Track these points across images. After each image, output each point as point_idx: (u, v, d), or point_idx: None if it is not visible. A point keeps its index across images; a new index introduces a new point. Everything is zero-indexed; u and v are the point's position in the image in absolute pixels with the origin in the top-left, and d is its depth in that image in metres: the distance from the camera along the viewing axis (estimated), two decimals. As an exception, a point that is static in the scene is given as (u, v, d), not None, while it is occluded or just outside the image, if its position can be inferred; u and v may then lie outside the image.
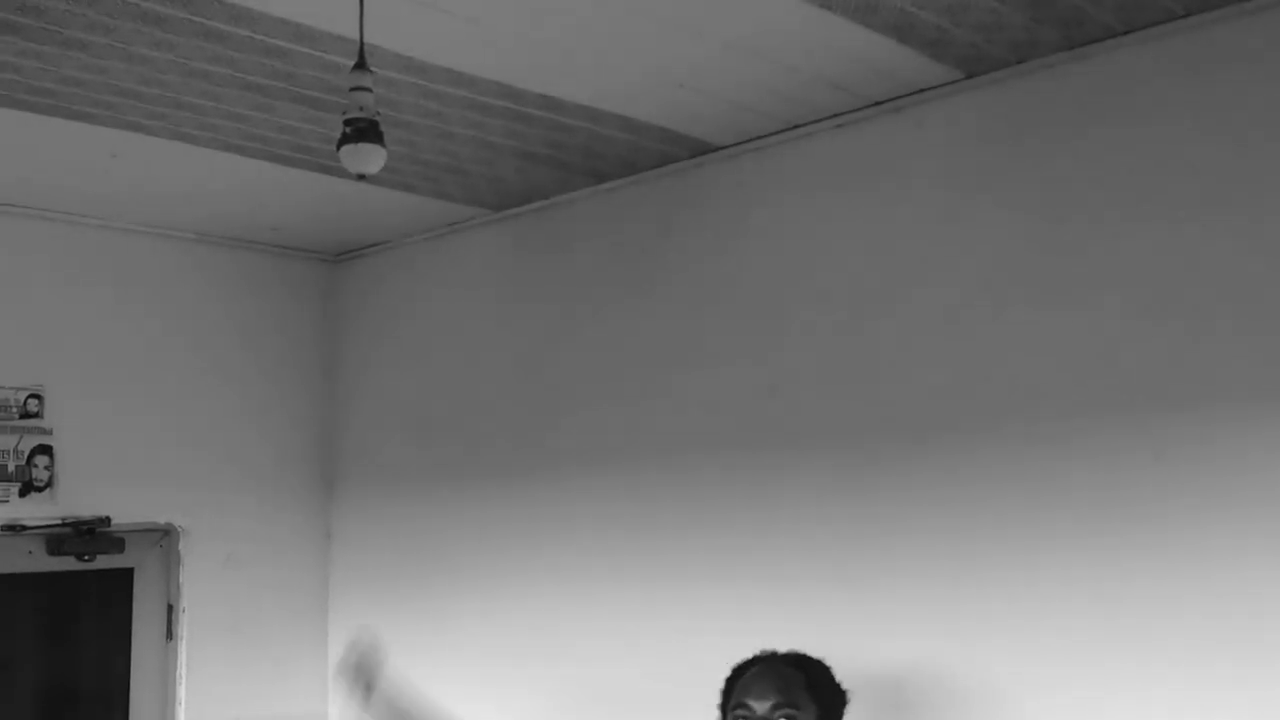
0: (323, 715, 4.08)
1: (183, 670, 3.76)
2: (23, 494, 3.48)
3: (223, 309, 3.96)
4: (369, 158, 1.92)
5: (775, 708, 2.08)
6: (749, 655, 2.26)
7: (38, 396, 3.52)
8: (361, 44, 1.98)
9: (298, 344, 4.14)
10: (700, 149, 3.02)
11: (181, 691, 3.75)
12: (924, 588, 2.56)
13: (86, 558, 3.59)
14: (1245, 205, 2.19)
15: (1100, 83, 2.39)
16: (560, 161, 3.12)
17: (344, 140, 1.92)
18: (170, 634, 3.80)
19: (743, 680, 2.18)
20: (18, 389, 3.50)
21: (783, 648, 2.27)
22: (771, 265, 2.92)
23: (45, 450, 3.53)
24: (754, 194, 2.98)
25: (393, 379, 3.99)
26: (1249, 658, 2.12)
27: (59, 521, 3.54)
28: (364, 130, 1.91)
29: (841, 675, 2.24)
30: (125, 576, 3.76)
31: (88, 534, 3.57)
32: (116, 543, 3.62)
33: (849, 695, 2.23)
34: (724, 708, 2.21)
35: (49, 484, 3.52)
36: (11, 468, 3.47)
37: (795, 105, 2.73)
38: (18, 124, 2.77)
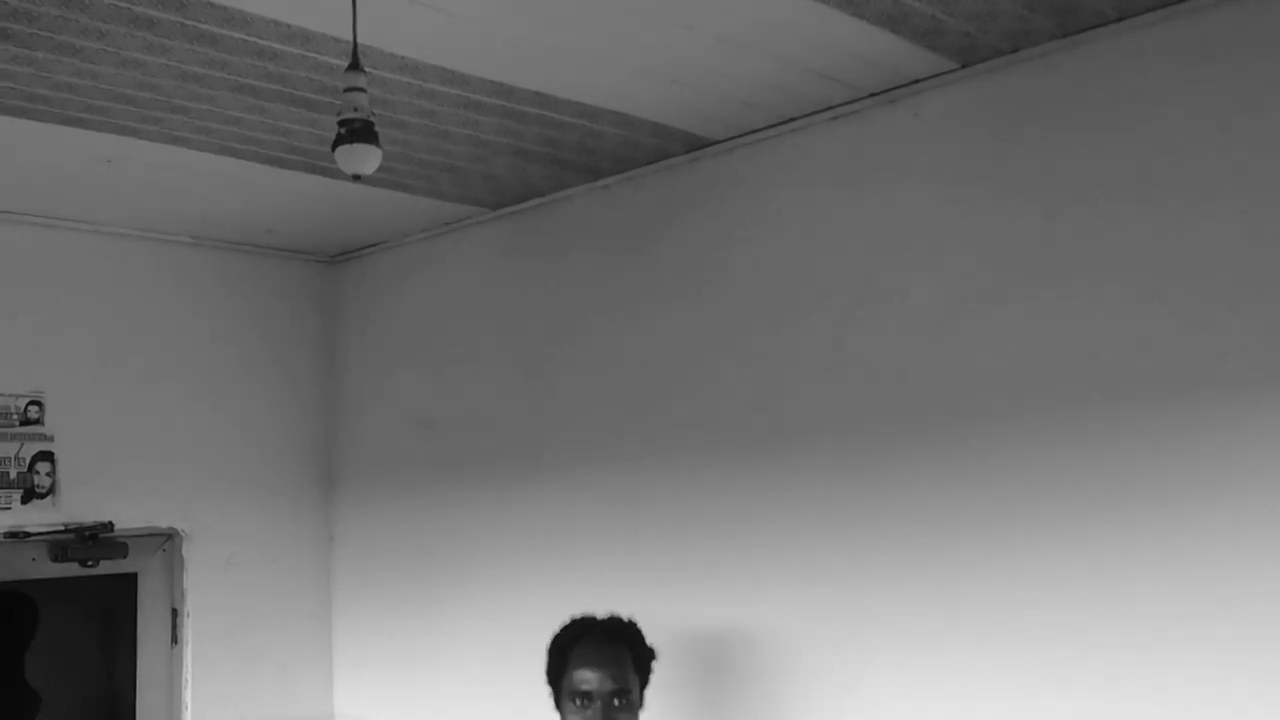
0: (328, 717, 4.09)
1: (188, 674, 3.76)
2: (25, 500, 3.48)
3: (220, 312, 3.97)
4: (364, 158, 1.92)
5: (612, 695, 2.32)
6: (567, 622, 2.49)
7: (38, 403, 3.52)
8: (355, 44, 1.98)
9: (296, 346, 4.15)
10: (695, 144, 3.02)
11: (187, 696, 3.75)
12: (925, 580, 2.56)
13: (90, 563, 3.60)
14: (1241, 192, 2.19)
15: (1095, 70, 2.39)
16: (555, 159, 3.12)
17: (339, 141, 1.92)
18: (175, 638, 3.81)
19: (575, 657, 2.38)
20: (18, 396, 3.50)
21: (599, 610, 2.50)
22: (768, 258, 2.92)
23: (47, 457, 3.53)
24: (749, 188, 2.97)
25: (391, 379, 3.99)
26: (1249, 643, 2.12)
27: (61, 528, 3.54)
28: (359, 131, 1.91)
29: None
30: (129, 581, 3.76)
31: (90, 540, 3.57)
32: (119, 548, 3.63)
33: (656, 652, 2.48)
34: (553, 681, 2.43)
35: (51, 490, 3.53)
36: (13, 474, 3.47)
37: (789, 98, 2.72)
38: (12, 130, 2.77)
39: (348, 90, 1.94)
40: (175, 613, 3.81)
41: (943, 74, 2.58)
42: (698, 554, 3.01)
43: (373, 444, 4.04)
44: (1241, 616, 2.13)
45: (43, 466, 3.52)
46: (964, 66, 2.55)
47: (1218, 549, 2.17)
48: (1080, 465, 2.35)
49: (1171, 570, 2.22)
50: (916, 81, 2.62)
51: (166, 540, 3.81)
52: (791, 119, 2.85)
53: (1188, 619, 2.19)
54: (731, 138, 2.98)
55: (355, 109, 1.92)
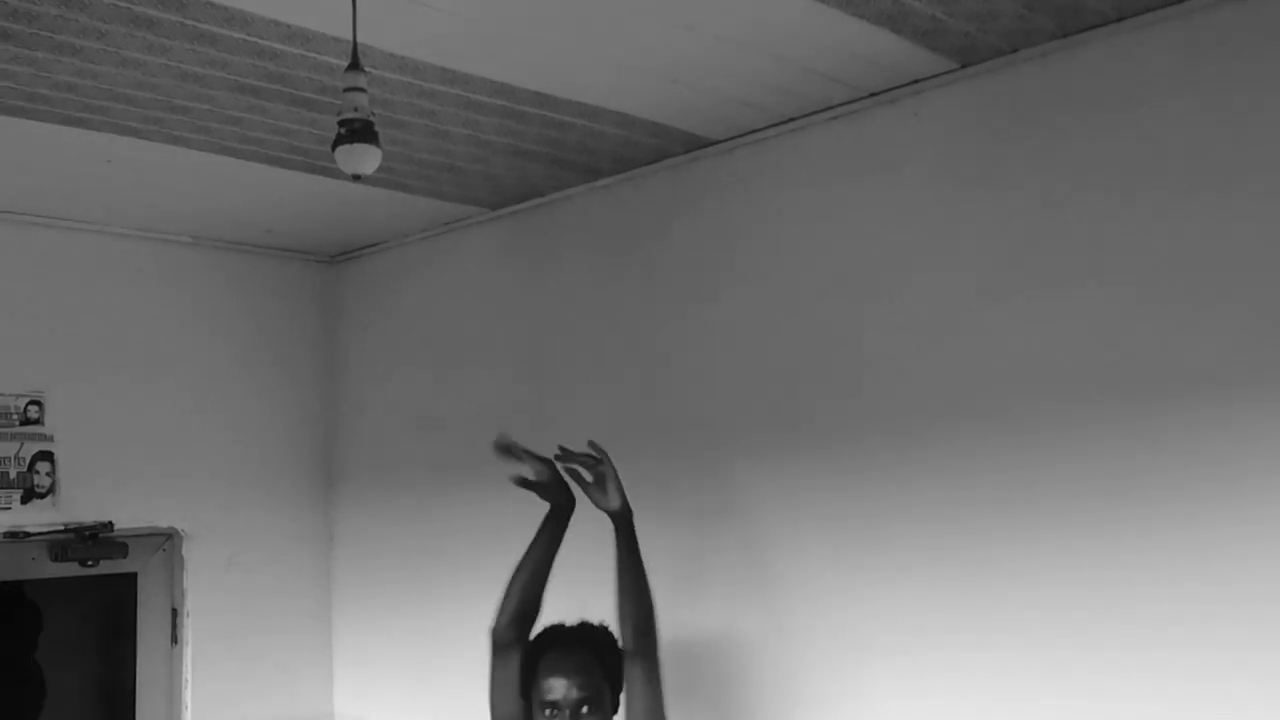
0: (328, 717, 4.09)
1: (188, 674, 3.76)
2: (25, 500, 3.48)
3: (220, 312, 3.97)
4: (364, 158, 1.92)
5: (579, 703, 2.32)
6: (538, 631, 2.49)
7: (38, 403, 3.52)
8: (355, 44, 1.98)
9: (296, 346, 4.15)
10: (695, 144, 3.02)
11: (188, 696, 3.76)
12: (921, 579, 2.56)
13: (90, 563, 3.60)
14: (1242, 191, 2.19)
15: (1095, 70, 2.39)
16: (555, 158, 3.12)
17: (339, 141, 1.92)
18: (175, 638, 3.81)
19: (543, 666, 2.38)
20: (18, 395, 3.50)
21: (571, 619, 2.49)
22: (767, 258, 2.92)
23: (47, 456, 3.53)
24: (749, 188, 2.97)
25: (392, 379, 3.99)
26: (1249, 643, 2.12)
27: (61, 528, 3.54)
28: (359, 130, 1.91)
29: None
30: (129, 581, 3.76)
31: (90, 539, 3.57)
32: (119, 548, 3.63)
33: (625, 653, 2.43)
34: (525, 692, 2.41)
35: (51, 490, 3.53)
36: (13, 474, 3.47)
37: (789, 98, 2.72)
38: (12, 130, 2.77)
39: (348, 90, 1.94)
40: (175, 613, 3.81)
41: (943, 74, 2.58)
42: (698, 553, 3.01)
43: (373, 444, 4.04)
44: (1242, 616, 2.13)
45: (43, 466, 3.52)
46: (964, 66, 2.55)
47: (1218, 548, 2.16)
48: (1081, 464, 2.35)
49: (1172, 570, 2.22)
50: (916, 81, 2.62)
51: (166, 540, 3.81)
52: (791, 119, 2.85)
53: (1188, 619, 2.19)
54: (731, 138, 2.98)
55: (355, 109, 1.92)
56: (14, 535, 3.46)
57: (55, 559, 3.53)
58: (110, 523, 3.62)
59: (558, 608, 2.59)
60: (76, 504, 3.56)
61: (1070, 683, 2.33)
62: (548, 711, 2.35)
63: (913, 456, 2.60)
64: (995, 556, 2.46)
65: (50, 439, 3.54)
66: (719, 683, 2.94)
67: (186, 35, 2.28)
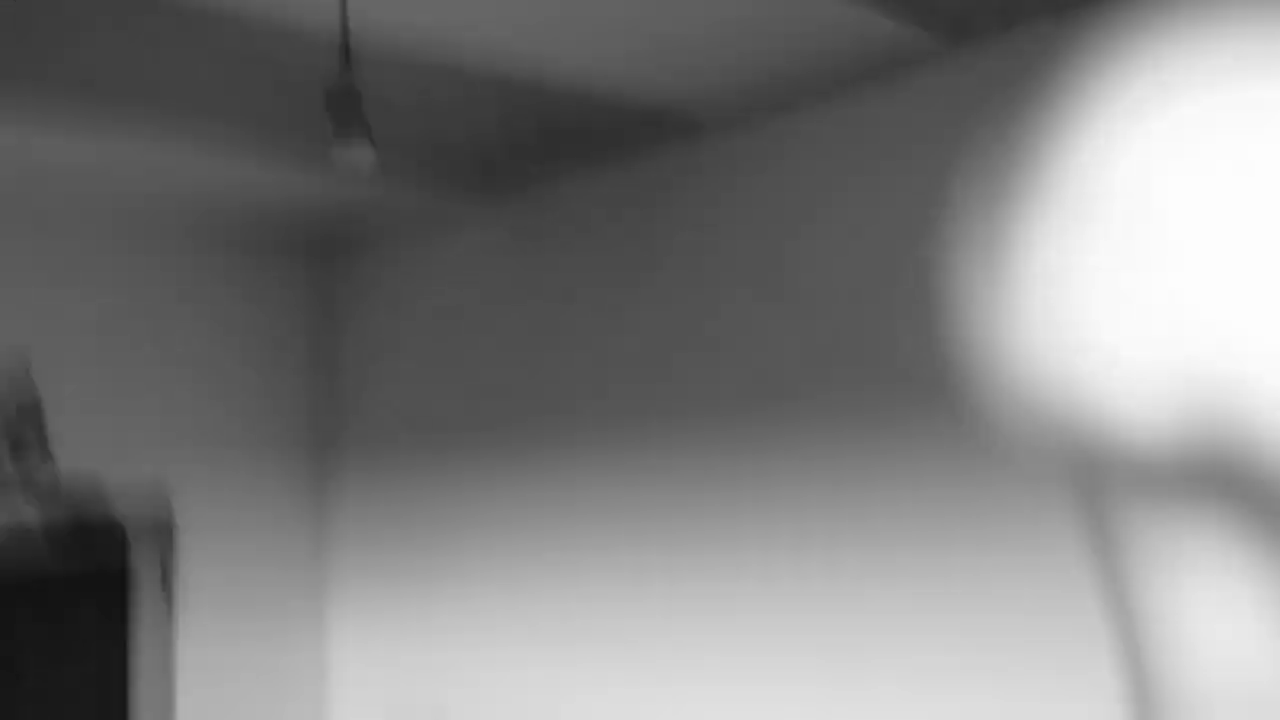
0: (327, 713, 4.10)
1: (185, 670, 3.77)
2: (22, 495, 3.48)
3: (219, 310, 3.96)
4: (362, 155, 1.91)
5: None
6: None
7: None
8: (345, 36, 1.97)
9: (294, 340, 4.14)
10: (691, 128, 3.01)
11: (184, 692, 3.76)
12: (923, 574, 2.58)
13: (88, 558, 3.60)
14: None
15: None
16: (552, 148, 3.11)
17: (337, 139, 1.91)
18: (173, 634, 3.81)
19: None
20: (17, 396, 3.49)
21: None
22: (765, 240, 2.92)
23: (44, 453, 3.52)
24: (746, 171, 2.97)
25: (390, 371, 3.99)
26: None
27: (59, 521, 3.54)
28: (355, 127, 1.90)
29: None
30: (128, 578, 3.76)
31: (88, 533, 3.57)
32: (118, 541, 3.63)
33: None
34: None
35: (48, 484, 3.52)
36: (9, 470, 3.47)
37: (785, 81, 2.72)
38: (12, 131, 2.75)
39: (345, 87, 1.93)
40: (173, 608, 3.82)
41: (937, 53, 2.57)
42: (696, 540, 3.01)
43: (372, 441, 4.04)
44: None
45: (39, 462, 3.51)
46: (958, 45, 2.54)
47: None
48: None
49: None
50: (910, 62, 2.62)
51: (164, 534, 3.82)
52: (788, 102, 2.84)
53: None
54: (729, 121, 2.97)
55: (351, 105, 1.91)
56: (12, 529, 3.46)
57: (53, 554, 3.53)
58: (109, 515, 3.62)
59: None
60: (74, 498, 3.57)
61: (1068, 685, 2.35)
62: None
63: (911, 445, 2.61)
64: (989, 555, 2.47)
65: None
66: (716, 665, 2.95)
67: (177, 29, 2.27)
